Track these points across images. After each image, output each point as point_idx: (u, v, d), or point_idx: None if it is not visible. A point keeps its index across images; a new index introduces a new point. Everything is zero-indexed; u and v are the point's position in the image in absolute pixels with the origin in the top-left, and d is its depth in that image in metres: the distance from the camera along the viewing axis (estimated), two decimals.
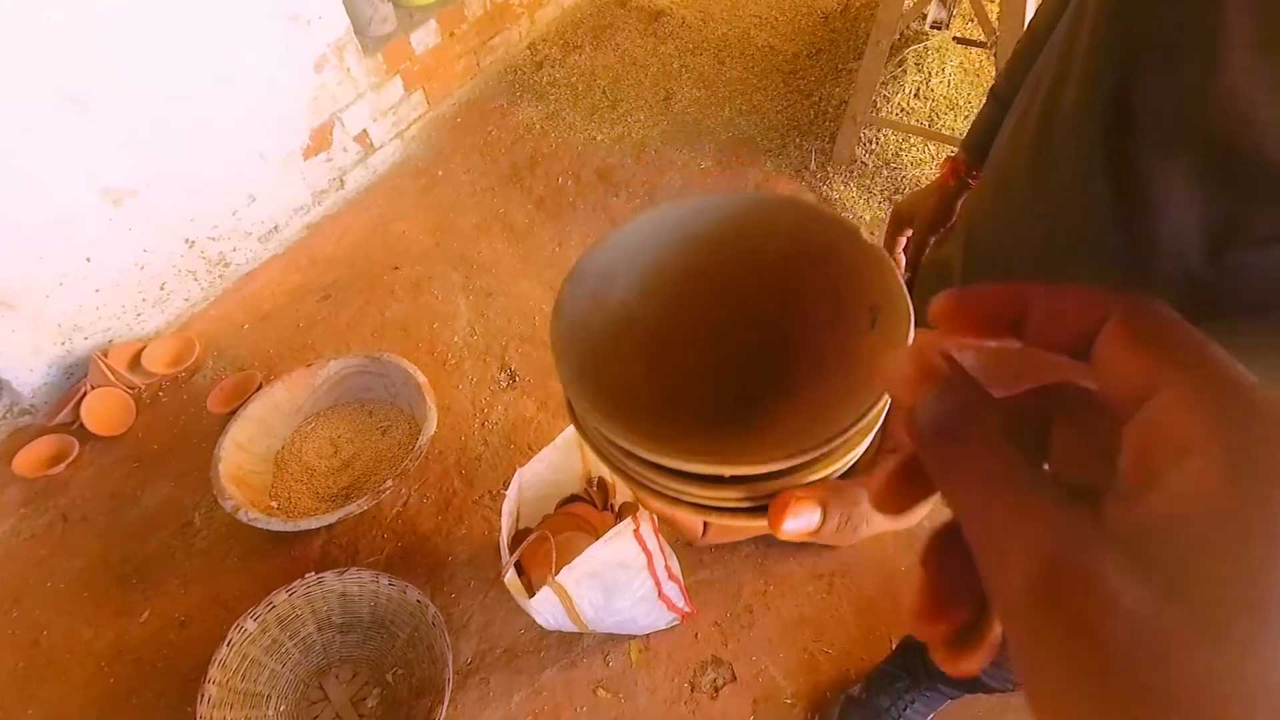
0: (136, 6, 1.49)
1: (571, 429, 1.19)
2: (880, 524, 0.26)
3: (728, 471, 0.25)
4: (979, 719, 1.16)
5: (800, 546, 1.37)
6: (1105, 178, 0.41)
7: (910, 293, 0.27)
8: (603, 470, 1.29)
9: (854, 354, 0.28)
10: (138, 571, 1.43)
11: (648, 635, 1.28)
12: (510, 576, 1.03)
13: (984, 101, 0.73)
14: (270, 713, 1.18)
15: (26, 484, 1.56)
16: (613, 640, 1.28)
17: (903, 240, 0.81)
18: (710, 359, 0.32)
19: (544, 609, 1.05)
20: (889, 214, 0.83)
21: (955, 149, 0.78)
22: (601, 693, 1.23)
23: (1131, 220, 0.40)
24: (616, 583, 1.09)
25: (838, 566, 1.34)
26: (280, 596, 1.21)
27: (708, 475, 0.25)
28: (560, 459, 1.23)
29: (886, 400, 0.26)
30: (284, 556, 1.42)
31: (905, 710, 1.10)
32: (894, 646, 1.13)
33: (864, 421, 0.25)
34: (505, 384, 1.71)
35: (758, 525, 0.27)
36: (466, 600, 1.35)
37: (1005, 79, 0.68)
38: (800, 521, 0.25)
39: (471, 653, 1.28)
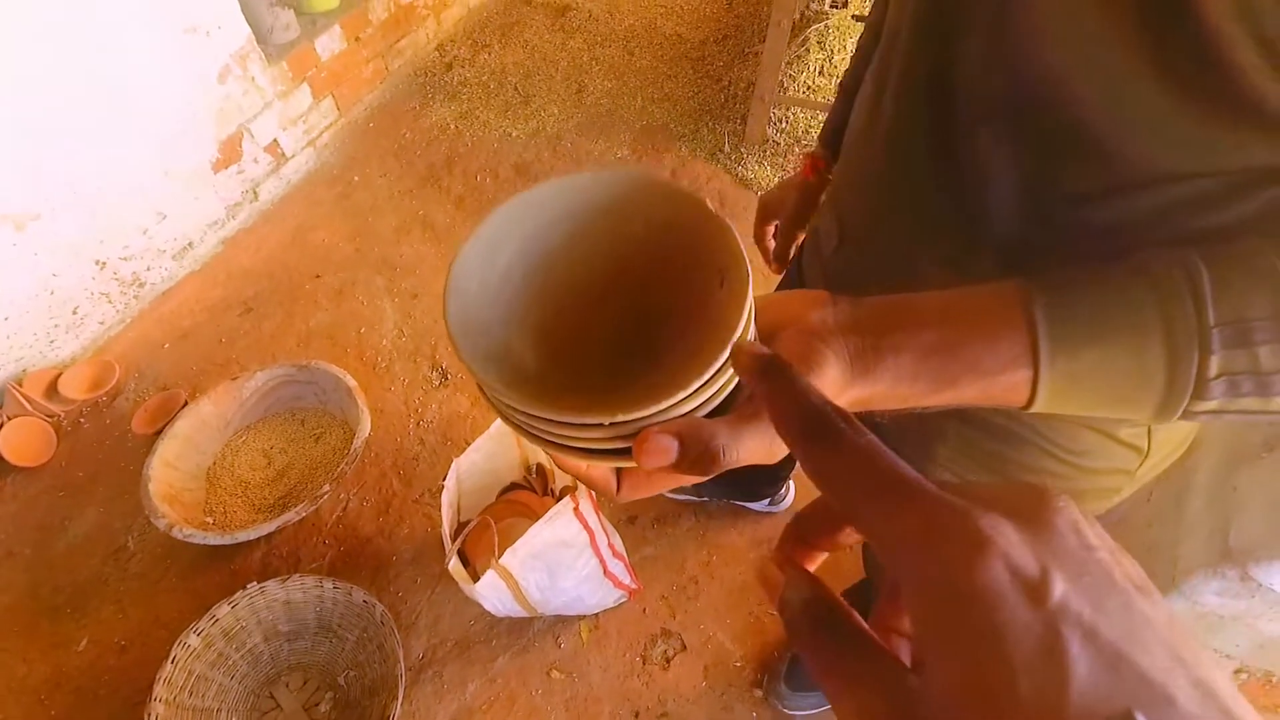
0: (16, 24, 1.43)
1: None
2: (743, 457, 0.29)
3: (605, 419, 0.29)
4: None
5: (737, 514, 1.44)
6: (932, 152, 0.44)
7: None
8: (540, 456, 1.32)
9: (707, 312, 0.32)
10: (70, 602, 1.40)
11: (597, 614, 1.32)
12: (454, 564, 1.06)
13: (834, 96, 0.78)
14: None
15: None
16: (563, 622, 1.32)
17: (771, 229, 0.86)
18: (588, 323, 0.36)
19: (490, 594, 1.08)
20: (757, 204, 0.87)
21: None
22: (555, 674, 1.27)
23: (961, 189, 0.43)
24: (560, 562, 1.13)
25: (776, 532, 1.41)
26: (223, 609, 1.20)
27: (591, 424, 0.29)
28: (497, 448, 1.26)
29: (726, 355, 0.30)
30: (223, 571, 1.41)
31: None
32: None
33: (709, 372, 0.29)
34: (437, 382, 1.73)
35: (628, 463, 0.31)
36: (414, 598, 1.37)
37: (850, 73, 0.73)
38: (659, 455, 0.28)
39: (423, 648, 1.31)
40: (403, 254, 2.05)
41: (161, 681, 1.12)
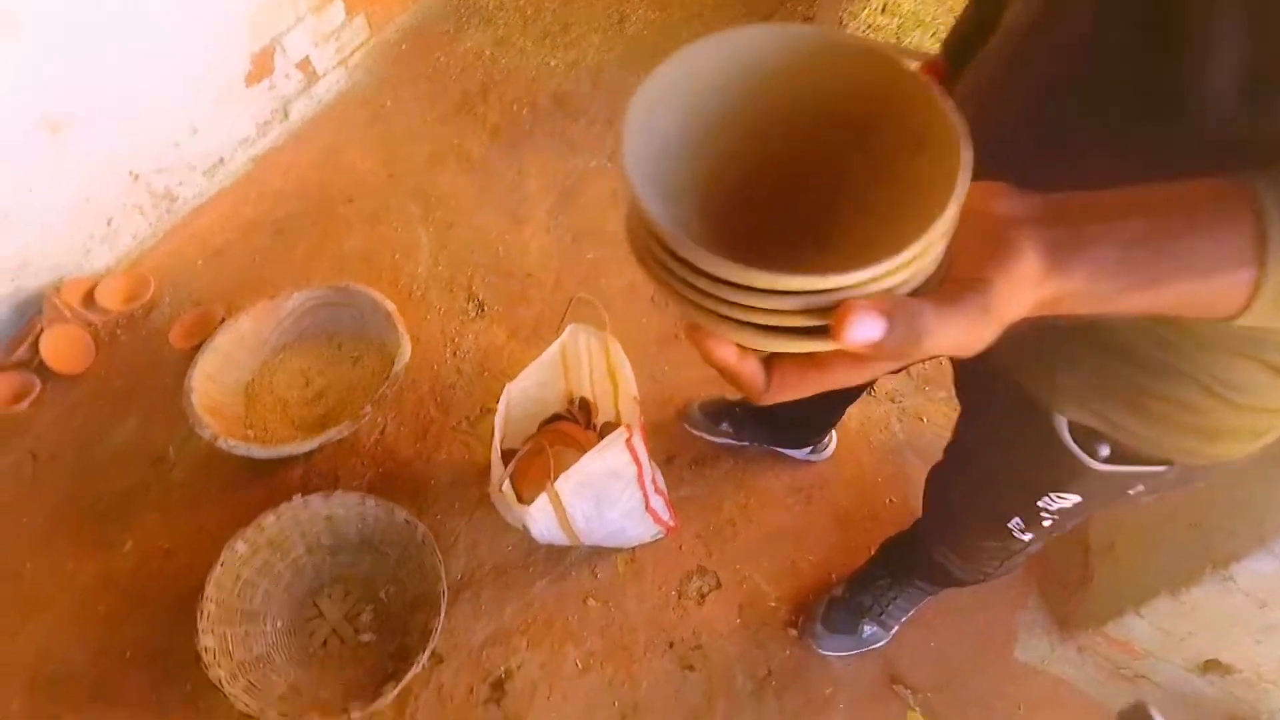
0: None
1: (556, 347, 1.25)
2: (941, 345, 0.27)
3: (794, 284, 0.25)
4: (959, 611, 1.29)
5: (776, 460, 1.47)
6: (1133, 25, 0.40)
7: None
8: (585, 389, 1.35)
9: (903, 181, 0.30)
10: (114, 507, 1.45)
11: (633, 549, 1.37)
12: (506, 486, 1.10)
13: (967, 3, 0.73)
14: (268, 629, 1.25)
15: None
16: (599, 554, 1.37)
17: None
18: (756, 198, 0.34)
19: (540, 518, 1.12)
20: None
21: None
22: (591, 602, 1.32)
23: (1160, 67, 0.39)
24: (608, 493, 1.17)
25: (815, 480, 1.45)
26: (268, 519, 1.25)
27: (784, 291, 0.26)
28: (546, 377, 1.29)
29: (949, 220, 0.27)
30: (264, 486, 1.46)
31: (887, 606, 1.21)
32: (874, 551, 1.24)
33: (923, 241, 0.26)
34: (474, 314, 1.75)
35: (816, 345, 0.28)
36: (452, 521, 1.42)
37: None
38: (865, 329, 0.26)
39: (461, 570, 1.36)
40: (437, 183, 2.05)
41: (212, 582, 1.18)
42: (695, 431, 1.48)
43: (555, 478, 1.08)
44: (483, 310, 1.75)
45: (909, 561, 1.15)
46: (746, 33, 0.33)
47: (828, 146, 0.34)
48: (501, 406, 1.18)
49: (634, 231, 0.32)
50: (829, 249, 0.32)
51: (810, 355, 0.31)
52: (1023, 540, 0.77)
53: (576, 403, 1.41)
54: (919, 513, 1.02)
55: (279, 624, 1.26)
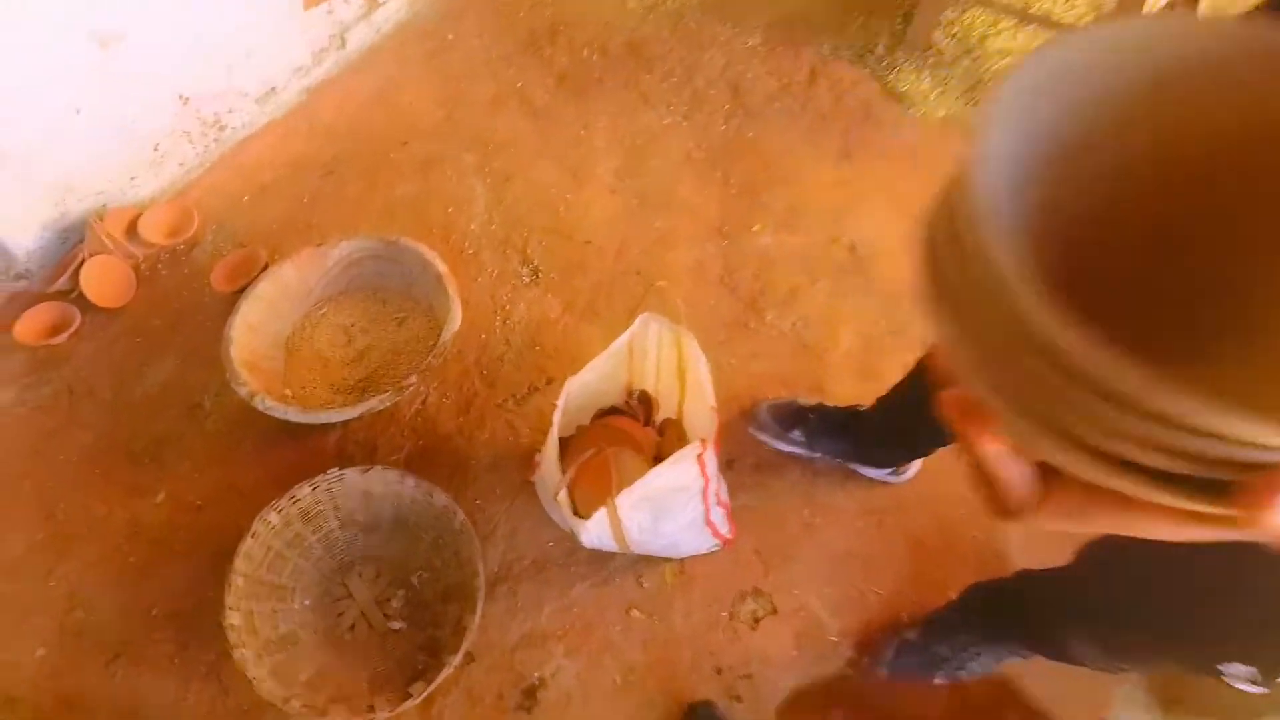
0: None
1: (624, 339, 1.14)
2: None
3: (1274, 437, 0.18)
4: (1050, 669, 1.16)
5: (848, 476, 1.36)
6: None
7: None
8: (647, 382, 1.25)
9: None
10: (148, 450, 1.41)
11: (683, 559, 1.28)
12: (563, 496, 1.01)
13: None
14: (296, 605, 1.20)
15: (29, 353, 1.52)
16: (646, 561, 1.28)
17: None
18: (1123, 252, 0.25)
19: (594, 530, 1.04)
20: None
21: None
22: (635, 613, 1.25)
23: None
24: (669, 507, 1.08)
25: (891, 503, 1.34)
26: (303, 490, 1.19)
27: (1215, 433, 0.18)
28: (609, 368, 1.19)
29: None
30: (299, 448, 1.40)
31: (968, 663, 1.11)
32: (956, 596, 1.14)
33: None
34: (528, 279, 1.65)
35: (1197, 505, 0.20)
36: (491, 507, 1.35)
37: None
38: None
39: (498, 561, 1.29)
40: (497, 129, 1.92)
41: (242, 555, 1.13)
42: (762, 437, 1.37)
43: (618, 492, 0.99)
44: (537, 276, 1.65)
45: (1014, 629, 1.04)
46: (1158, 26, 0.23)
47: (1246, 203, 0.24)
48: (561, 403, 1.09)
49: (940, 273, 0.23)
50: (1211, 358, 0.23)
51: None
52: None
53: (636, 395, 1.31)
54: (1007, 558, 0.89)
55: (307, 601, 1.21)
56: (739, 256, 1.67)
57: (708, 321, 1.57)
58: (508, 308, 1.60)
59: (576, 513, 1.15)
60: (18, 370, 1.50)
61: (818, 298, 1.61)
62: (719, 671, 1.21)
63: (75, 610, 1.25)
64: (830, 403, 1.38)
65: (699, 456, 1.02)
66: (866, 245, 1.68)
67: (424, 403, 1.47)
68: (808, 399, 1.40)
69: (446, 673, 1.07)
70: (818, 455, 1.35)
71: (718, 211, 1.74)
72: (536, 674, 1.20)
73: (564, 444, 1.24)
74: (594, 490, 1.12)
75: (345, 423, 1.43)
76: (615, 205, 1.76)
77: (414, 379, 1.32)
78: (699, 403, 1.21)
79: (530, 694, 1.18)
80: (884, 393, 1.21)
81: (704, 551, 1.27)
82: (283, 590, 1.19)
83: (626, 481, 1.12)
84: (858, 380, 1.51)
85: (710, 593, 1.27)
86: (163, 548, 1.31)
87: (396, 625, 1.22)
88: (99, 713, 1.17)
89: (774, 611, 1.26)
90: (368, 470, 1.22)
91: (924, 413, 0.88)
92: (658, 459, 1.27)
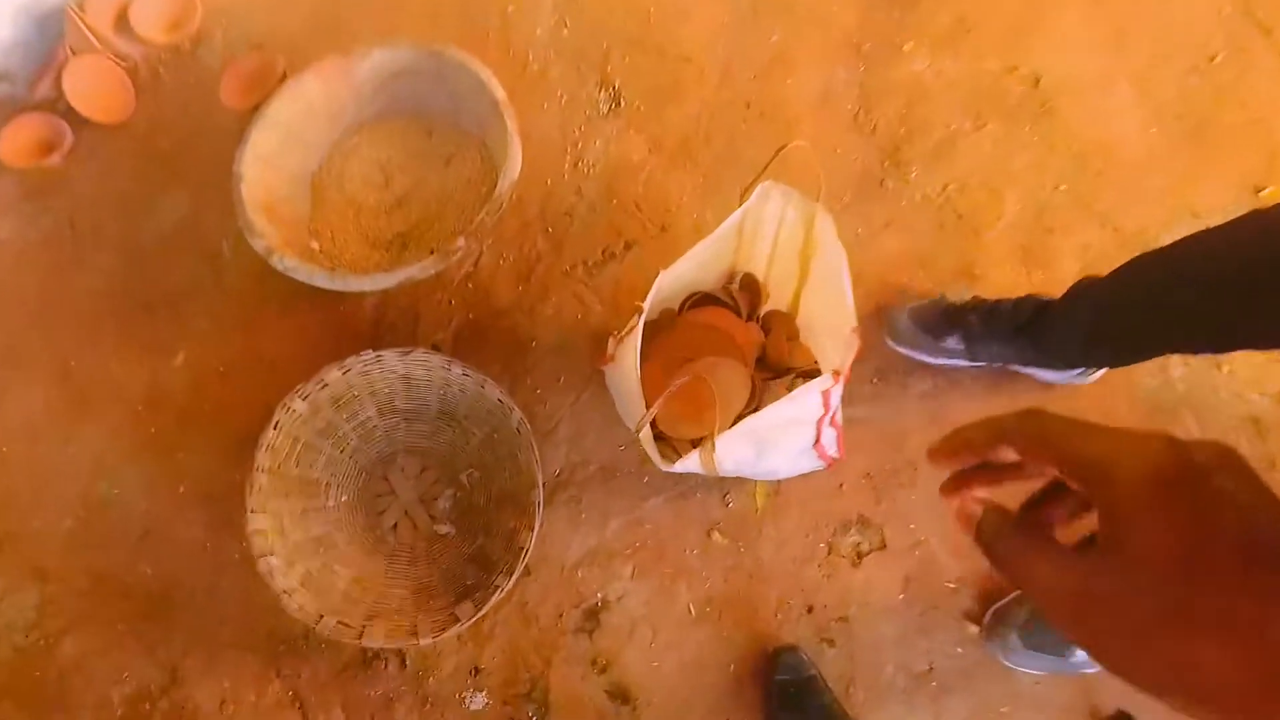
0: None
1: (734, 219, 0.85)
2: None
3: None
4: None
5: (998, 387, 1.10)
6: None
7: None
8: (754, 264, 0.98)
9: None
10: (164, 304, 1.25)
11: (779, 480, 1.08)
12: (647, 436, 0.79)
13: None
14: (331, 503, 1.06)
15: (19, 176, 1.32)
16: (734, 477, 1.08)
17: None
18: None
19: (681, 467, 0.83)
20: None
21: None
22: (717, 536, 1.07)
23: None
24: (776, 441, 0.86)
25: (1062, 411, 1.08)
26: (332, 374, 1.00)
27: None
28: (712, 255, 0.91)
29: None
30: (332, 312, 1.21)
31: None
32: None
33: None
34: (606, 108, 1.32)
35: None
36: (554, 399, 1.15)
37: None
38: None
39: (560, 463, 1.11)
40: None
41: (265, 448, 0.97)
42: (902, 350, 1.10)
43: (718, 430, 0.76)
44: (618, 105, 1.32)
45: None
46: None
47: None
48: (648, 303, 0.83)
49: None
50: None
51: None
52: None
53: (738, 281, 1.04)
54: None
55: (344, 498, 1.08)
56: (880, 87, 1.29)
57: (830, 176, 1.23)
58: (580, 145, 1.29)
59: (660, 436, 0.94)
60: (10, 197, 1.31)
61: (981, 148, 1.25)
62: (810, 610, 1.05)
63: (99, 481, 1.16)
64: (982, 294, 1.09)
65: (825, 392, 0.77)
66: (1055, 79, 1.27)
67: (477, 264, 1.23)
68: (956, 294, 1.10)
69: (497, 598, 0.93)
70: (980, 364, 1.08)
71: (855, 22, 1.33)
72: (599, 594, 1.06)
73: (645, 331, 1.00)
74: (684, 412, 0.90)
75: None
76: (721, 11, 1.36)
77: (462, 243, 1.07)
78: (822, 298, 0.94)
79: (592, 615, 1.06)
80: (1089, 280, 0.90)
81: (803, 472, 1.06)
82: (314, 486, 1.05)
83: (728, 414, 0.89)
84: (1018, 265, 1.20)
85: (808, 519, 1.08)
86: (186, 419, 1.18)
87: (444, 529, 1.08)
88: (131, 594, 1.10)
89: (882, 546, 1.07)
90: (408, 353, 1.02)
91: (1177, 307, 0.72)
92: (761, 361, 1.03)
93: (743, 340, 0.98)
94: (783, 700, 0.97)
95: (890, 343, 1.11)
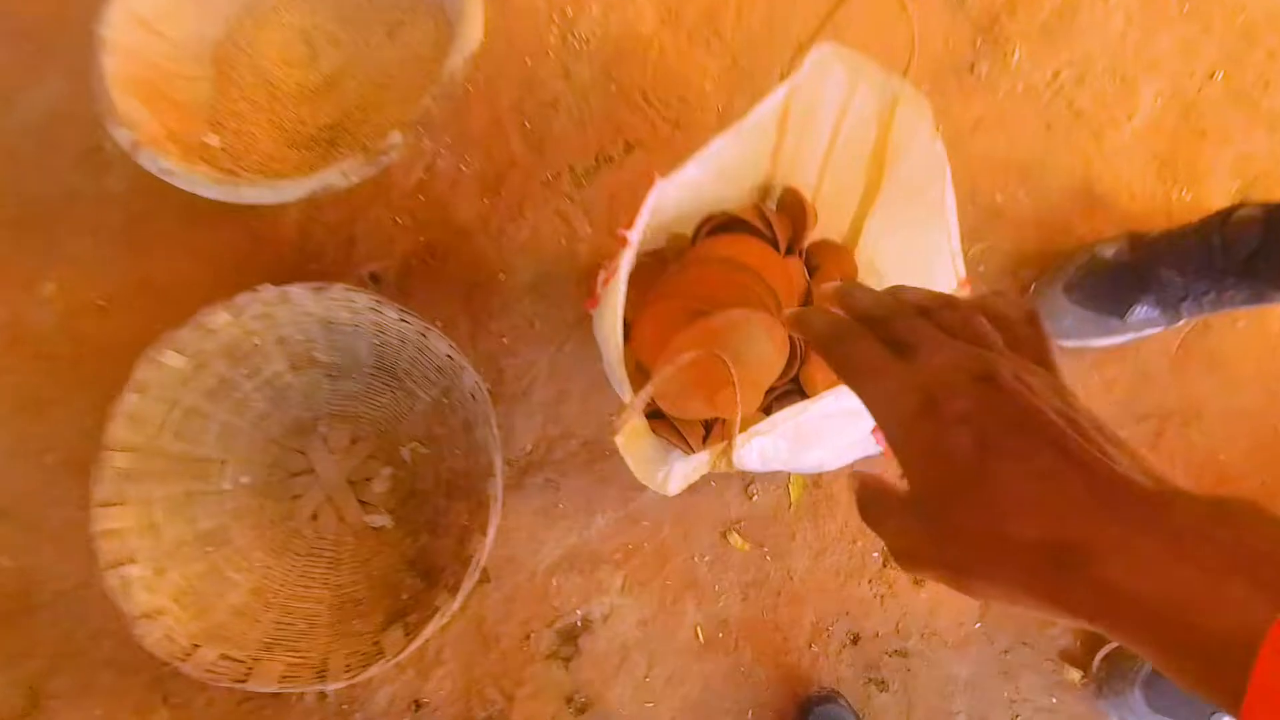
0: None
1: (776, 101, 0.56)
2: None
3: None
4: None
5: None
6: None
7: None
8: (798, 177, 0.69)
9: None
10: (31, 215, 0.98)
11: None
12: (630, 431, 0.53)
13: None
14: (227, 485, 0.81)
15: None
16: None
17: None
18: None
19: (681, 474, 0.56)
20: None
21: None
22: (736, 539, 0.82)
23: None
24: (820, 433, 0.59)
25: (1154, 408, 0.80)
26: (219, 317, 0.74)
27: None
28: (736, 156, 0.62)
29: None
30: (240, 227, 0.93)
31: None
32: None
33: None
34: None
35: None
36: (527, 351, 0.88)
37: None
38: None
39: (533, 437, 0.86)
40: None
41: (123, 418, 0.72)
42: (1065, 344, 0.83)
43: (735, 432, 0.50)
44: None
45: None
46: None
47: None
48: (641, 220, 0.55)
49: None
50: None
51: None
52: None
53: (776, 198, 0.75)
54: None
55: (245, 479, 0.83)
56: None
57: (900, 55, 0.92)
58: (571, 13, 0.98)
59: (657, 413, 0.67)
60: None
61: (1110, 23, 0.93)
62: (855, 641, 0.80)
63: None
64: (1124, 227, 0.81)
65: None
66: None
67: (431, 168, 0.94)
68: (1114, 239, 0.82)
69: (435, 626, 0.69)
70: (1181, 321, 0.81)
71: None
72: (580, 611, 0.82)
73: (641, 266, 0.73)
74: (693, 384, 0.63)
75: (310, 197, 0.93)
76: None
77: (397, 139, 0.78)
78: (900, 227, 0.66)
79: (569, 638, 0.82)
80: None
81: (852, 461, 0.80)
82: (204, 465, 0.80)
83: (754, 391, 0.63)
84: (1154, 181, 0.91)
85: (857, 520, 0.82)
86: (55, 368, 0.92)
87: (378, 521, 0.83)
88: None
89: None
90: (324, 289, 0.75)
91: None
92: (805, 304, 0.75)
93: (778, 282, 0.69)
94: None
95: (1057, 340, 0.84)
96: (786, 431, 0.54)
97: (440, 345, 0.76)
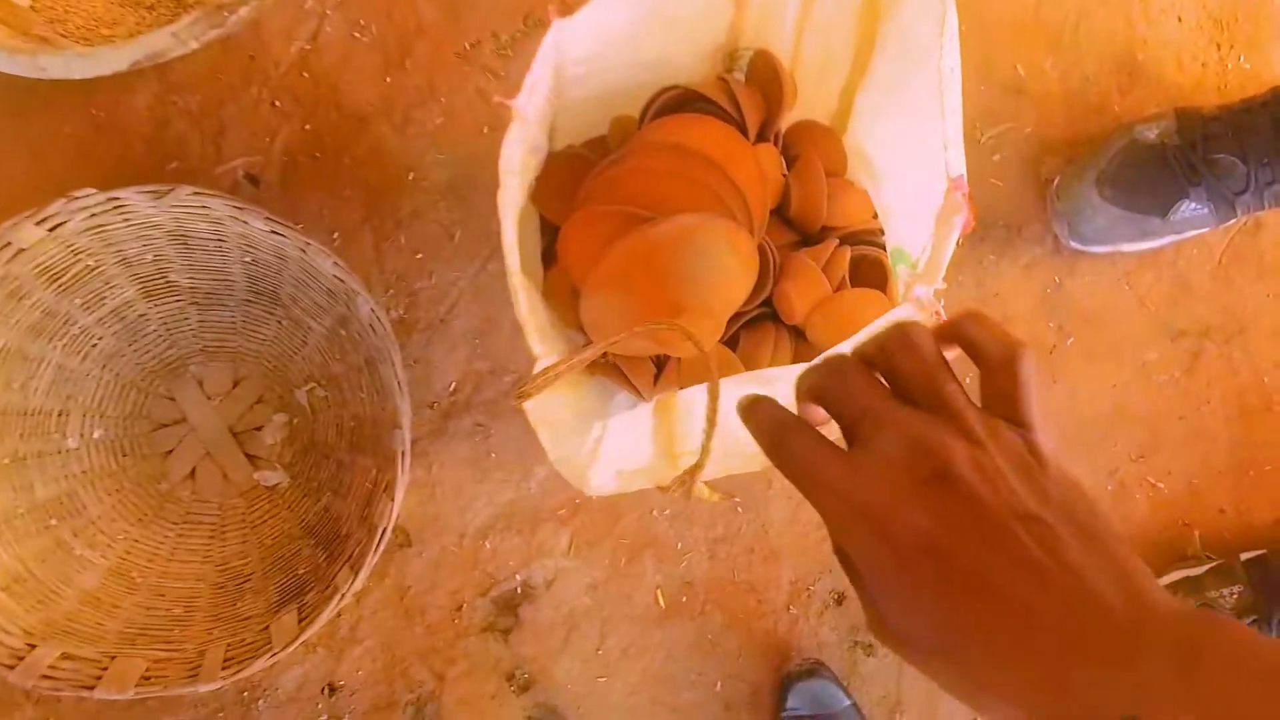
0: None
1: None
2: None
3: None
4: None
5: None
6: None
7: None
8: (778, 37, 0.53)
9: None
10: None
11: None
12: (543, 401, 0.39)
13: None
14: (72, 443, 0.66)
15: None
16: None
17: None
18: None
19: (609, 482, 0.43)
20: None
21: None
22: (702, 488, 0.68)
23: None
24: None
25: (1193, 324, 0.68)
26: (27, 231, 0.58)
27: None
28: (688, 6, 0.45)
29: None
30: (83, 119, 0.74)
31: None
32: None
33: None
34: None
35: None
36: (446, 270, 0.72)
37: None
38: None
39: (457, 375, 0.71)
40: None
41: None
42: (1095, 249, 0.71)
43: (706, 457, 0.36)
44: None
45: None
46: None
47: None
48: (537, 78, 0.39)
49: None
50: None
51: None
52: None
53: (743, 65, 0.58)
54: None
55: (96, 433, 0.68)
56: None
57: None
58: None
59: (592, 371, 0.54)
60: None
61: None
62: (839, 601, 0.70)
63: None
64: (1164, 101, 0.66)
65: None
66: None
67: (315, 40, 0.75)
68: (1157, 118, 0.68)
69: (333, 610, 0.57)
70: (1234, 220, 0.68)
71: None
72: (520, 577, 0.70)
73: (574, 160, 0.57)
74: (633, 309, 0.49)
75: (165, 70, 0.74)
76: None
77: None
78: (898, 103, 0.51)
79: (508, 608, 0.70)
80: None
81: None
82: (38, 419, 0.65)
83: (715, 319, 0.49)
84: (1207, 43, 0.74)
85: None
86: None
87: (271, 478, 0.70)
88: None
89: None
90: (164, 194, 0.58)
91: None
92: (779, 215, 0.61)
93: (746, 177, 0.54)
94: None
95: (1074, 244, 0.69)
96: (755, 380, 0.41)
97: (324, 264, 0.60)
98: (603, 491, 0.46)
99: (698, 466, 0.43)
